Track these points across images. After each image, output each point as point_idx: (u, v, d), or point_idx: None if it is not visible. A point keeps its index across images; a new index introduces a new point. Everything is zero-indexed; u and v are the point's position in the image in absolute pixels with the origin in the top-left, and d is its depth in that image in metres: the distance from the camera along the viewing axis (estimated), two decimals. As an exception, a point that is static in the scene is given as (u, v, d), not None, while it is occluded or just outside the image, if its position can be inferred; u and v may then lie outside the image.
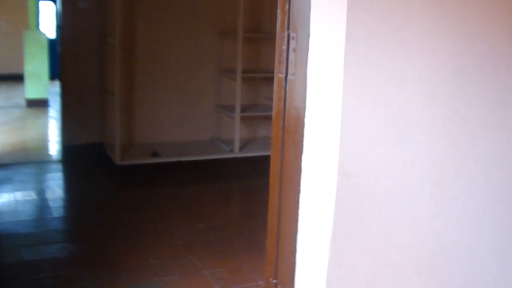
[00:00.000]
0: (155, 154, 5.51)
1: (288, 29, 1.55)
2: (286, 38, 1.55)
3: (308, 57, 1.48)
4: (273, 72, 5.26)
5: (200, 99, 6.04)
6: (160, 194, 4.80)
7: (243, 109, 5.77)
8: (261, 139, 6.30)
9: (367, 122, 1.43)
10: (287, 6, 1.55)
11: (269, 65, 6.20)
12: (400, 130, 1.49)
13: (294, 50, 1.53)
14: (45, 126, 7.95)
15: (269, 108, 6.12)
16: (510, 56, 1.64)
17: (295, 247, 1.56)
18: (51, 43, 9.73)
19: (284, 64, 1.56)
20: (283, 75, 1.57)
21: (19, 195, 4.49)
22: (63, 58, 5.75)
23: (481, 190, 1.67)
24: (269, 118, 6.16)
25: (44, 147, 6.56)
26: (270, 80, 6.08)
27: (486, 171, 1.67)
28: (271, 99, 5.47)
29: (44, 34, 8.97)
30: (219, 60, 6.04)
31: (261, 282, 3.12)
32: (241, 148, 5.78)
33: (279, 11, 1.59)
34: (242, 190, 5.21)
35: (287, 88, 1.56)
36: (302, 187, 1.53)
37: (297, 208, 1.54)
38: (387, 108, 1.46)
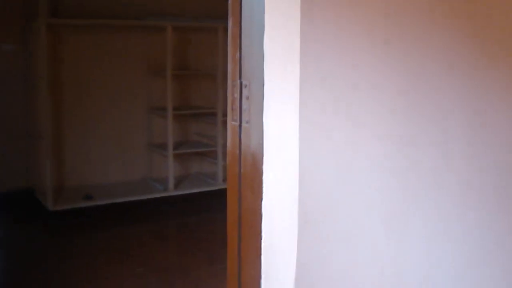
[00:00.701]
0: (88, 197, 5.40)
1: (240, 77, 1.58)
2: (238, 86, 1.58)
3: (264, 105, 1.50)
4: (202, 108, 5.30)
5: (131, 138, 5.98)
6: (96, 238, 4.70)
7: (175, 147, 5.75)
8: (194, 175, 6.28)
9: (324, 167, 1.47)
10: (237, 54, 1.58)
11: (197, 102, 6.23)
12: (354, 174, 1.53)
13: (247, 98, 1.55)
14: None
15: (201, 145, 6.16)
16: (451, 93, 1.72)
17: (258, 293, 1.57)
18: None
19: (238, 112, 1.58)
20: (237, 123, 1.59)
21: None
22: (-14, 103, 5.58)
23: (433, 228, 1.73)
24: (201, 154, 6.17)
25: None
26: (199, 116, 6.10)
27: (436, 211, 1.73)
28: (202, 135, 5.48)
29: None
30: (149, 99, 6.02)
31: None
32: (175, 186, 5.75)
33: (229, 59, 1.62)
34: (178, 228, 5.17)
35: (242, 136, 1.58)
36: (263, 234, 1.54)
37: (259, 254, 1.55)
38: (341, 154, 1.50)
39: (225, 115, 5.66)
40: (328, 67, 1.43)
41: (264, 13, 1.46)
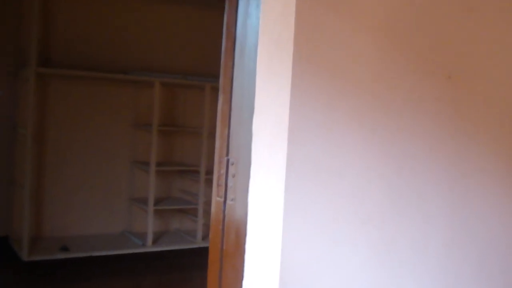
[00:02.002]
0: (64, 249, 5.32)
1: (227, 154, 1.59)
2: (225, 163, 1.59)
3: (249, 184, 1.51)
4: (186, 165, 5.30)
5: (112, 192, 5.95)
6: (70, 293, 4.62)
7: (156, 202, 5.72)
8: (174, 232, 6.23)
9: (307, 250, 1.47)
10: (226, 132, 1.60)
11: (182, 158, 6.23)
12: (337, 253, 1.53)
13: (233, 176, 1.56)
14: None
15: (182, 201, 6.13)
16: (427, 159, 1.75)
17: None
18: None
19: (223, 188, 1.59)
20: (222, 199, 1.60)
21: None
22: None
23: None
24: (182, 211, 6.14)
25: None
26: (183, 173, 6.10)
27: (415, 285, 1.74)
28: (185, 192, 5.46)
29: None
30: (133, 152, 6.01)
31: None
32: (154, 242, 5.69)
33: (217, 135, 1.64)
34: (155, 286, 5.09)
35: (226, 213, 1.59)
36: (242, 313, 1.53)
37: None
38: (324, 233, 1.51)
39: (208, 173, 5.67)
40: (314, 153, 1.46)
41: (254, 94, 1.49)
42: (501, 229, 2.04)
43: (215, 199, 1.63)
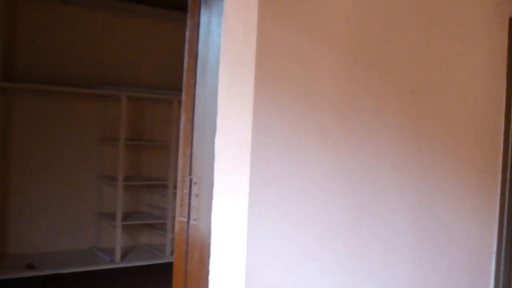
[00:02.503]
0: (30, 267, 5.22)
1: (190, 174, 1.57)
2: (188, 183, 1.57)
3: (212, 204, 1.50)
4: (154, 179, 5.23)
5: (79, 207, 5.86)
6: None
7: (124, 217, 5.65)
8: (142, 247, 6.16)
9: (272, 269, 1.46)
10: (189, 151, 1.58)
11: (150, 173, 6.18)
12: (304, 272, 1.52)
13: (196, 196, 1.54)
14: None
15: (151, 216, 6.06)
16: (392, 173, 1.75)
17: None
18: None
19: (186, 208, 1.57)
20: (185, 219, 1.57)
21: None
22: None
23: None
24: (150, 226, 6.08)
25: None
26: (151, 187, 6.04)
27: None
28: (153, 206, 5.39)
29: None
30: (100, 167, 5.94)
31: None
32: (122, 257, 5.61)
33: (180, 154, 1.62)
34: (124, 302, 5.03)
35: (189, 233, 1.57)
36: (207, 335, 1.51)
37: None
38: (290, 252, 1.50)
39: (176, 187, 5.61)
40: (278, 172, 1.45)
41: (217, 114, 1.47)
42: (466, 240, 2.05)
43: (179, 219, 1.60)
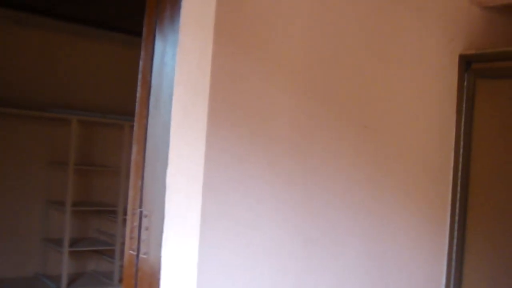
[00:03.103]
0: (-29, 295, 5.06)
1: (140, 207, 1.54)
2: (138, 216, 1.54)
3: (163, 237, 1.47)
4: (103, 205, 5.14)
5: (25, 233, 5.70)
6: None
7: (72, 243, 5.52)
8: (90, 274, 6.03)
9: (222, 305, 1.44)
10: (139, 183, 1.55)
11: (100, 198, 6.07)
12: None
13: (147, 229, 1.52)
14: None
15: (99, 242, 5.95)
16: (347, 223, 1.76)
17: None
18: None
19: (136, 242, 1.54)
20: (135, 253, 1.54)
21: None
22: None
23: None
24: (99, 252, 5.96)
25: None
26: (101, 213, 5.94)
27: None
28: (102, 232, 5.30)
29: None
30: (48, 192, 5.81)
31: None
32: (69, 285, 5.48)
33: (131, 185, 1.59)
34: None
35: (139, 266, 1.53)
36: None
37: None
38: (240, 286, 1.48)
39: (126, 213, 5.52)
40: (229, 206, 1.44)
41: (169, 146, 1.46)
42: (416, 272, 2.07)
43: (128, 252, 1.57)
